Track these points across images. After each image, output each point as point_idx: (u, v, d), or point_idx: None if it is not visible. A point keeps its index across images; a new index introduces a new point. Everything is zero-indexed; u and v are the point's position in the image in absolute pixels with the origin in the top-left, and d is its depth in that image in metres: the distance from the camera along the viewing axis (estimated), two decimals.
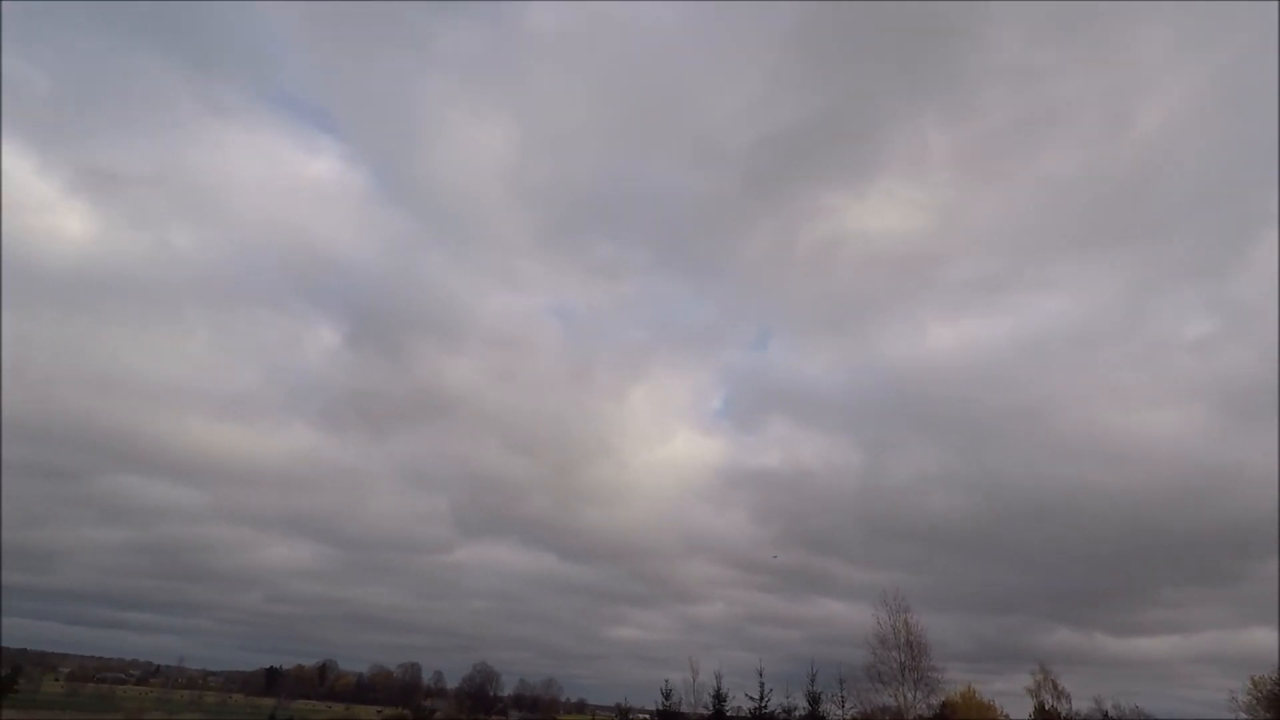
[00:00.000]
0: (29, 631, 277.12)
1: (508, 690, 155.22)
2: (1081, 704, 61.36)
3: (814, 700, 48.74)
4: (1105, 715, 60.05)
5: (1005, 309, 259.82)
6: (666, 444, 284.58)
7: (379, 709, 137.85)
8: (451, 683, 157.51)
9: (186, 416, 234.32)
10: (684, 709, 54.45)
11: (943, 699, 52.57)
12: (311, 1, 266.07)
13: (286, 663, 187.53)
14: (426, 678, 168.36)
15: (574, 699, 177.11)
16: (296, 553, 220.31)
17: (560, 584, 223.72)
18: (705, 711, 52.08)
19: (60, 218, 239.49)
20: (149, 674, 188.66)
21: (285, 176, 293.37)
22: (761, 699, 48.56)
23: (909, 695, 46.42)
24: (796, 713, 49.15)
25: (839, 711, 49.44)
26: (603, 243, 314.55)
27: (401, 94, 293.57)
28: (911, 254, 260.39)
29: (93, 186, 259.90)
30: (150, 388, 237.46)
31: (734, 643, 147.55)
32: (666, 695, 53.69)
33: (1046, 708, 58.61)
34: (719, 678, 51.64)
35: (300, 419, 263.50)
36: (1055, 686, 59.74)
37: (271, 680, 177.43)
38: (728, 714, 50.37)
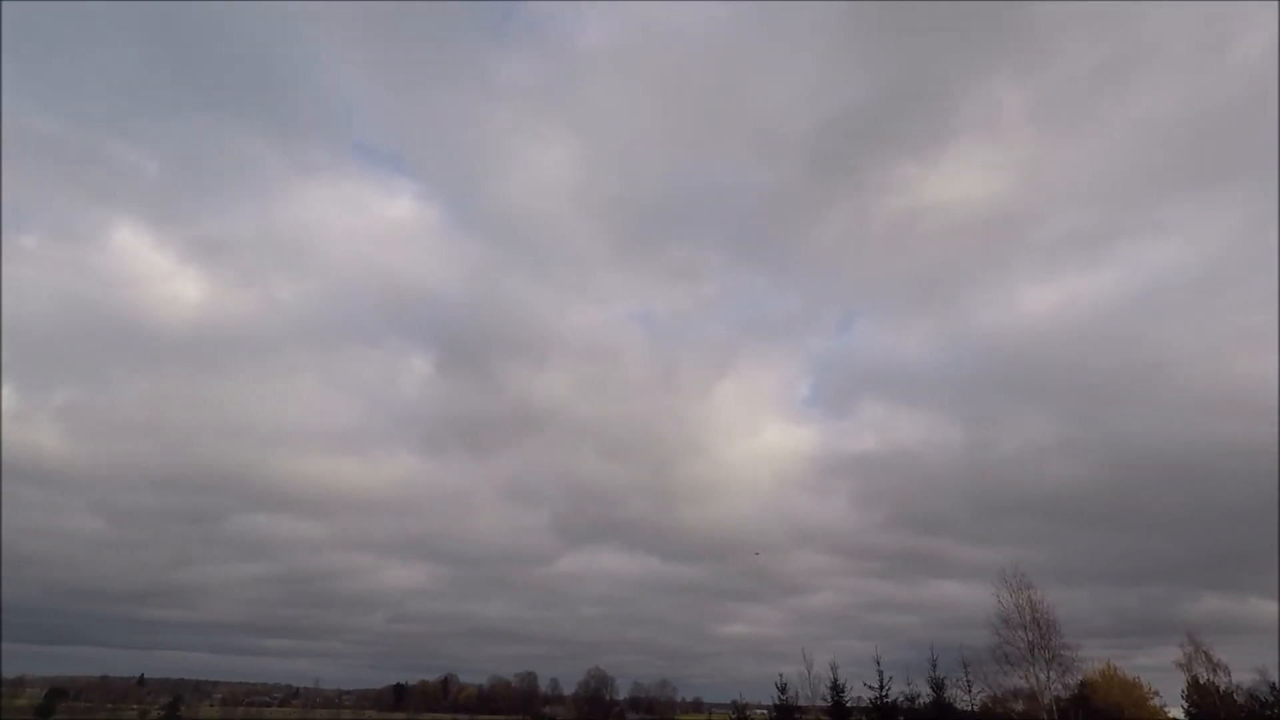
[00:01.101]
0: (184, 662, 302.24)
1: (623, 693, 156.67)
2: (1243, 676, 56.11)
3: (937, 686, 46.65)
4: (1274, 688, 54.13)
5: (1108, 262, 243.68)
6: (757, 437, 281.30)
7: (501, 718, 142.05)
8: (567, 689, 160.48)
9: (303, 455, 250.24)
10: (801, 702, 53.18)
11: (1080, 678, 49.31)
12: (377, 54, 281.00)
13: (411, 679, 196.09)
14: (543, 686, 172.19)
15: (689, 699, 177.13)
16: (413, 574, 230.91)
17: (666, 585, 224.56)
18: (824, 704, 50.63)
19: (178, 285, 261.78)
20: (290, 696, 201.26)
21: (369, 221, 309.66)
22: (881, 688, 46.76)
23: (1041, 676, 43.79)
24: (920, 700, 47.12)
25: (966, 697, 47.15)
26: (677, 246, 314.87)
27: (466, 128, 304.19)
28: (995, 218, 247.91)
29: (203, 254, 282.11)
30: (270, 431, 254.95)
31: (848, 632, 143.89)
32: (782, 689, 52.46)
33: (1201, 682, 53.90)
34: (835, 668, 50.04)
35: (404, 447, 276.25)
36: (1209, 658, 55.01)
37: (399, 696, 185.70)
38: (847, 705, 48.67)
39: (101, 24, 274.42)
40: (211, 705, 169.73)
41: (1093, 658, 62.39)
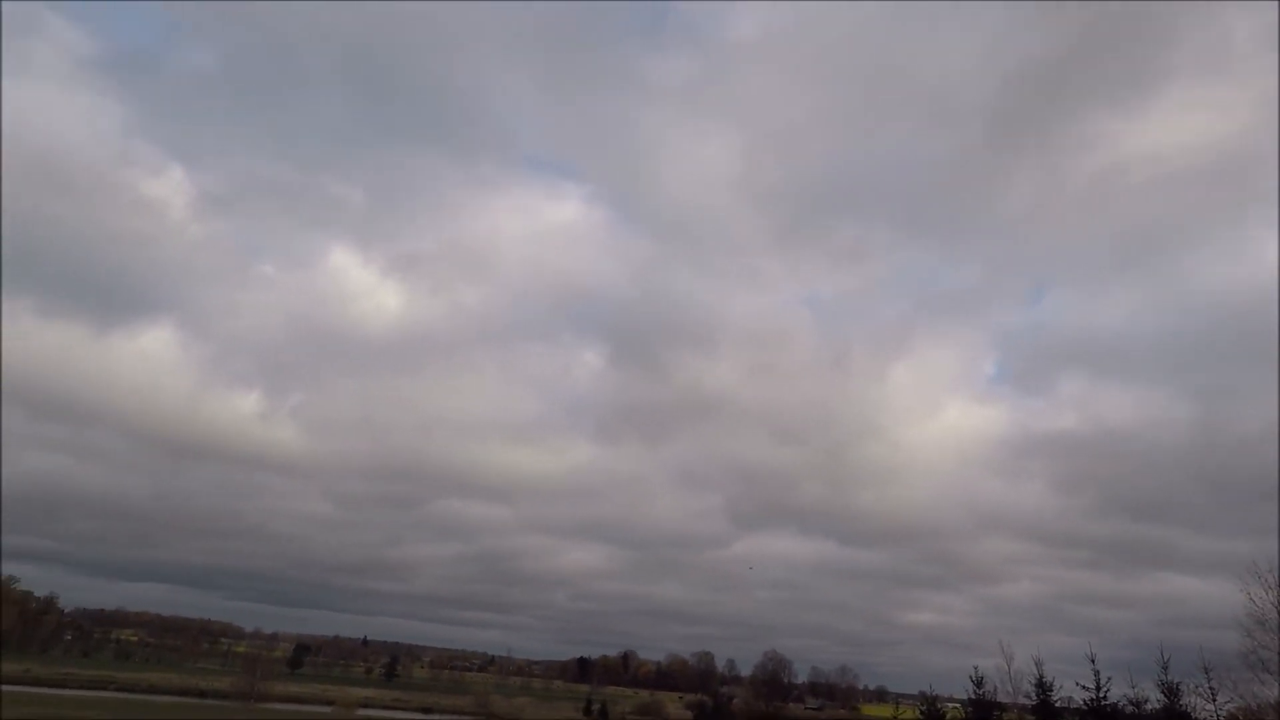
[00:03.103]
0: (398, 628, 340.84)
1: (801, 678, 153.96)
2: None
3: (1170, 691, 40.42)
4: None
5: None
6: (937, 418, 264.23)
7: (680, 695, 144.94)
8: (744, 670, 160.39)
9: (489, 445, 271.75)
10: (1000, 698, 48.58)
11: None
12: (538, 71, 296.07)
13: (594, 653, 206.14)
14: (720, 665, 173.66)
15: (872, 686, 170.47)
16: (591, 555, 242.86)
17: (844, 570, 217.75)
18: (1027, 701, 45.86)
19: (381, 298, 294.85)
20: (487, 663, 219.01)
21: (540, 225, 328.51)
22: (1098, 689, 41.35)
23: None
24: (1148, 705, 41.13)
25: (1209, 706, 40.50)
26: (843, 227, 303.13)
27: (627, 130, 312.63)
28: (1221, 164, 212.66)
29: (400, 268, 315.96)
30: (459, 424, 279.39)
31: (1050, 625, 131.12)
32: (978, 683, 48.15)
33: None
34: (1039, 664, 45.01)
35: (580, 436, 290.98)
36: None
37: (583, 669, 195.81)
38: (1055, 704, 43.64)
39: (310, 75, 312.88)
40: (421, 667, 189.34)
41: None
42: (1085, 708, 42.13)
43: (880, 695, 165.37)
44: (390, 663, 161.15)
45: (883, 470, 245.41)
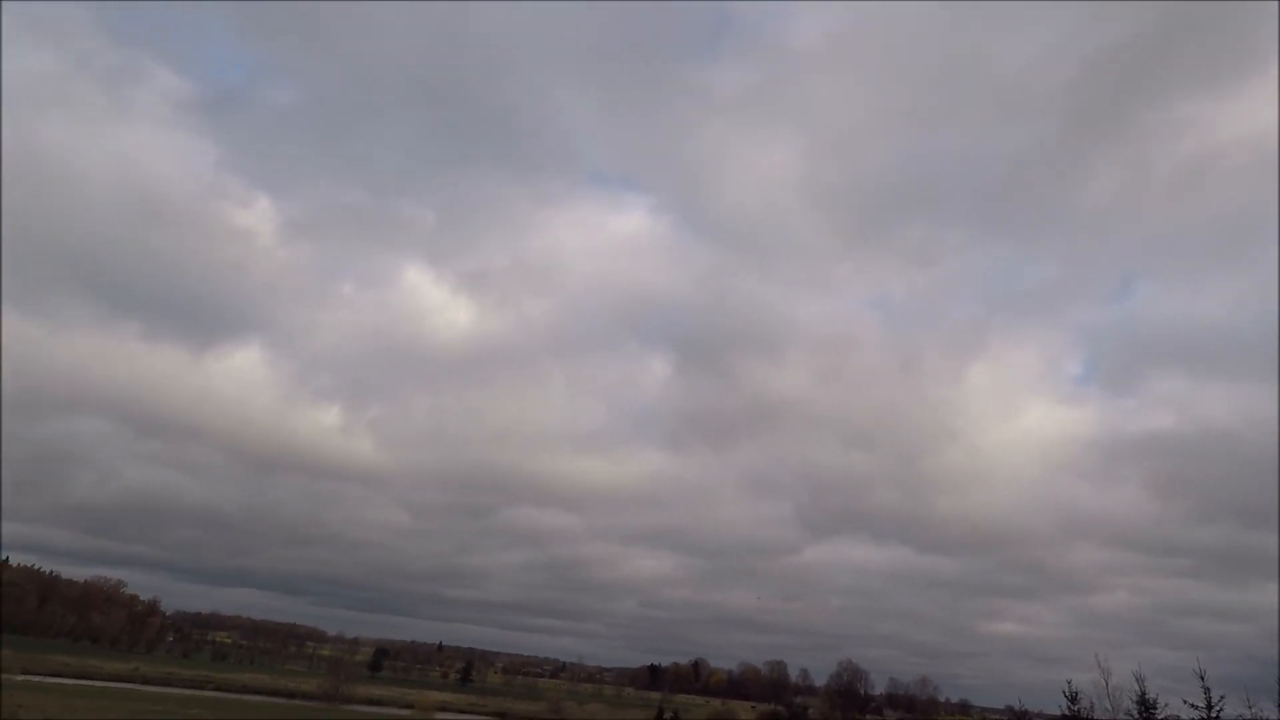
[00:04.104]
0: (471, 634, 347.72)
1: (878, 689, 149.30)
2: None
3: None
4: None
5: None
6: (1018, 421, 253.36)
7: (752, 704, 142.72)
8: (818, 680, 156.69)
9: (558, 454, 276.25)
10: (1097, 715, 45.69)
11: None
12: (600, 88, 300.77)
13: (664, 661, 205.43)
14: (793, 675, 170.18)
15: (954, 699, 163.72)
16: (660, 563, 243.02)
17: (921, 578, 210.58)
18: (1129, 719, 43.03)
19: (452, 313, 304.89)
20: (558, 670, 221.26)
21: (604, 238, 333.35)
22: (1209, 708, 38.40)
23: None
24: None
25: None
26: (911, 228, 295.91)
27: (689, 139, 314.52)
28: None
29: (469, 285, 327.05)
30: (528, 434, 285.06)
31: (1150, 638, 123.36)
32: (1072, 699, 45.37)
33: None
34: (1141, 679, 42.09)
35: (648, 444, 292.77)
36: None
37: (653, 676, 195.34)
38: None
39: (383, 105, 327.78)
40: (495, 672, 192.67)
41: None
42: None
43: (963, 709, 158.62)
44: (465, 668, 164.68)
45: (960, 475, 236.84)
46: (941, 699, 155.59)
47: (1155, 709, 41.42)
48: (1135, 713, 42.13)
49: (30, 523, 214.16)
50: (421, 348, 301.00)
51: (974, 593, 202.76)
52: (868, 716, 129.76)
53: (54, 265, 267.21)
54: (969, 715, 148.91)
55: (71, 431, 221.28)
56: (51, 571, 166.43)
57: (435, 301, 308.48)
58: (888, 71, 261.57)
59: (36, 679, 59.89)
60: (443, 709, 79.41)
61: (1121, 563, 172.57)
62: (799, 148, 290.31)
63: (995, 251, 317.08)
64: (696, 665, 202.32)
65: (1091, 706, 45.96)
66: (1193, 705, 39.89)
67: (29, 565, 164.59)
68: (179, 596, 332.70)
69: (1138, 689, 41.88)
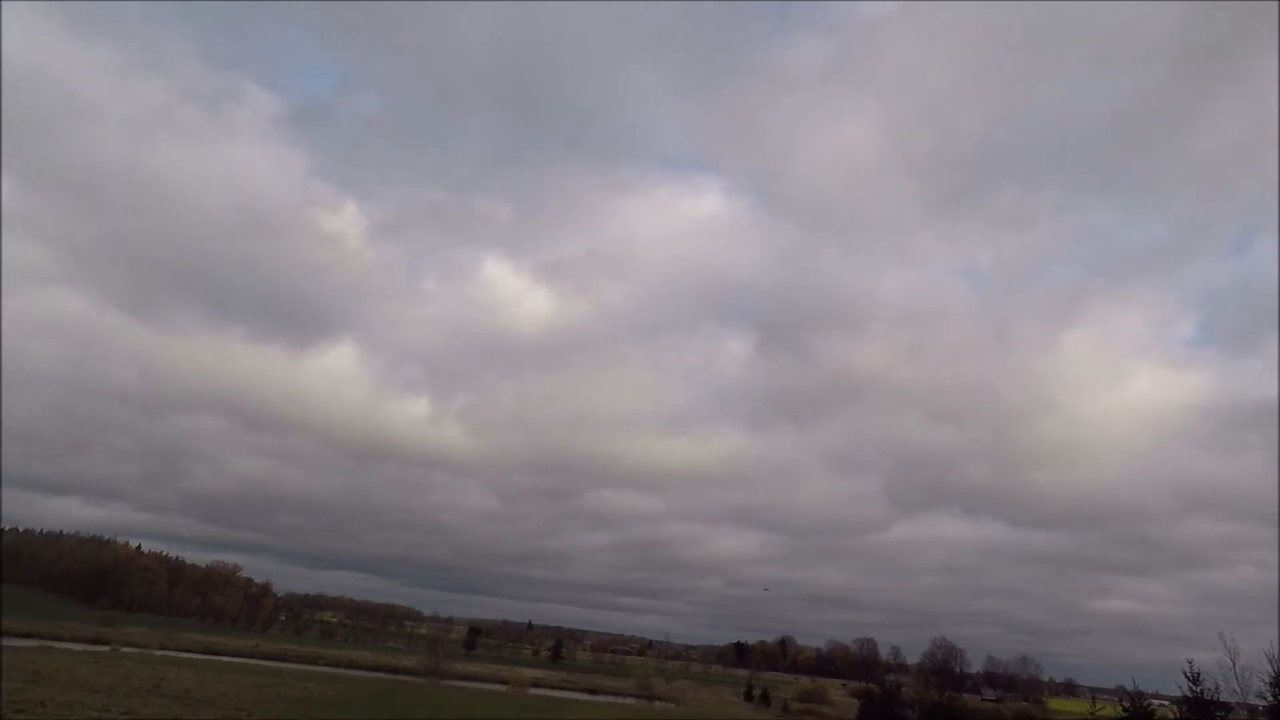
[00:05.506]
0: (559, 613, 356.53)
1: (974, 667, 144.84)
2: None
3: None
4: None
5: None
6: (1123, 388, 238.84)
7: (842, 682, 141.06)
8: (910, 658, 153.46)
9: (639, 436, 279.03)
10: (1223, 697, 42.58)
11: None
12: (670, 72, 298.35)
13: (750, 638, 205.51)
14: (883, 653, 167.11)
15: (1058, 679, 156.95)
16: (744, 541, 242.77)
17: (1018, 554, 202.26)
18: (1261, 702, 40.08)
19: (530, 303, 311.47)
20: (645, 648, 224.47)
21: (679, 221, 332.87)
22: None
23: None
24: None
25: None
26: (1000, 192, 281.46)
27: (762, 117, 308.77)
28: None
29: (547, 274, 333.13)
30: (609, 418, 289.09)
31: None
32: (1194, 679, 42.66)
33: None
34: (1275, 661, 39.16)
35: (728, 424, 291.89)
36: None
37: (740, 654, 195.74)
38: None
39: (460, 106, 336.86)
40: (583, 650, 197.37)
41: None
42: None
43: (1069, 689, 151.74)
44: (555, 646, 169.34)
45: (1059, 447, 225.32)
46: (1045, 678, 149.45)
47: None
48: (1269, 695, 39.15)
49: (158, 512, 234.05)
50: (503, 337, 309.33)
51: (1079, 568, 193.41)
52: (965, 696, 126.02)
53: (169, 277, 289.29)
54: (1075, 696, 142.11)
55: (189, 428, 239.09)
56: (177, 557, 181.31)
57: (514, 292, 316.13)
58: (971, 32, 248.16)
59: (172, 654, 65.27)
60: (536, 685, 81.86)
61: (1245, 536, 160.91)
62: (879, 118, 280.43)
63: (1094, 212, 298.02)
64: (784, 643, 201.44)
65: (1216, 688, 42.96)
66: None
67: (159, 551, 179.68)
68: (288, 579, 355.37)
69: (1271, 670, 38.94)
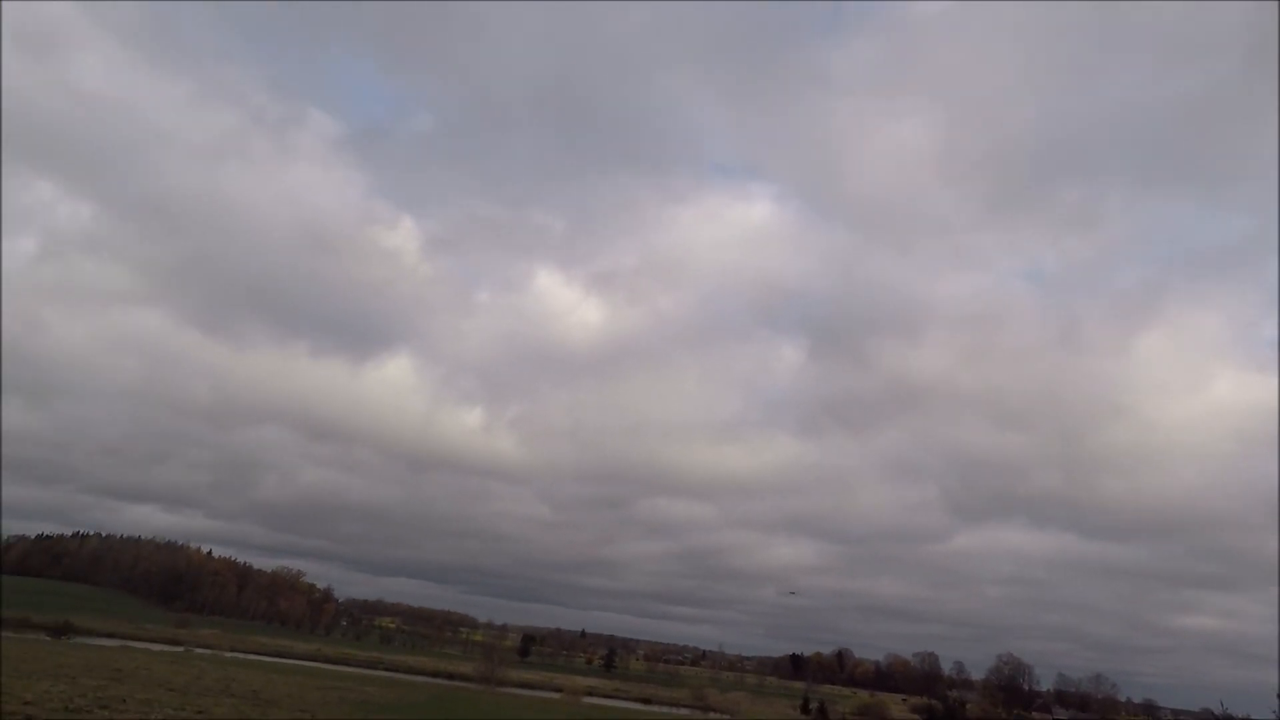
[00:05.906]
0: (612, 622, 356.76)
1: (1044, 685, 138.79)
2: None
3: None
4: None
5: None
6: (1204, 392, 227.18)
7: (903, 697, 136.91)
8: (974, 674, 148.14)
9: (692, 445, 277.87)
10: None
11: None
12: (720, 80, 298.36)
13: (805, 649, 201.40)
14: (946, 667, 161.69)
15: (1137, 699, 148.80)
16: (800, 550, 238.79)
17: (1090, 566, 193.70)
18: None
19: (583, 314, 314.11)
20: (699, 657, 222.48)
21: (731, 229, 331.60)
22: None
23: None
24: None
25: None
26: (1064, 190, 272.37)
27: (813, 122, 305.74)
28: None
29: (599, 285, 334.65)
30: (664, 426, 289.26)
31: None
32: None
33: None
34: None
35: (782, 431, 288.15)
36: None
37: (796, 666, 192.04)
38: None
39: (511, 121, 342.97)
40: (637, 659, 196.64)
41: None
42: None
43: (1149, 709, 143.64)
44: (608, 654, 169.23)
45: (1133, 454, 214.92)
46: (1122, 698, 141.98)
47: None
48: None
49: (229, 520, 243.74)
50: (556, 348, 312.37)
51: (1157, 582, 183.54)
52: (1034, 714, 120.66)
53: (238, 295, 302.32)
54: (1157, 716, 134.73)
55: (258, 439, 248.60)
56: (245, 563, 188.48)
57: (567, 303, 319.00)
58: (1029, 26, 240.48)
59: (241, 655, 67.63)
60: (589, 694, 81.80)
61: None
62: (934, 119, 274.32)
63: (1167, 208, 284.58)
64: (840, 655, 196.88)
65: None
66: None
67: (228, 557, 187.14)
68: (349, 585, 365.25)
69: None
